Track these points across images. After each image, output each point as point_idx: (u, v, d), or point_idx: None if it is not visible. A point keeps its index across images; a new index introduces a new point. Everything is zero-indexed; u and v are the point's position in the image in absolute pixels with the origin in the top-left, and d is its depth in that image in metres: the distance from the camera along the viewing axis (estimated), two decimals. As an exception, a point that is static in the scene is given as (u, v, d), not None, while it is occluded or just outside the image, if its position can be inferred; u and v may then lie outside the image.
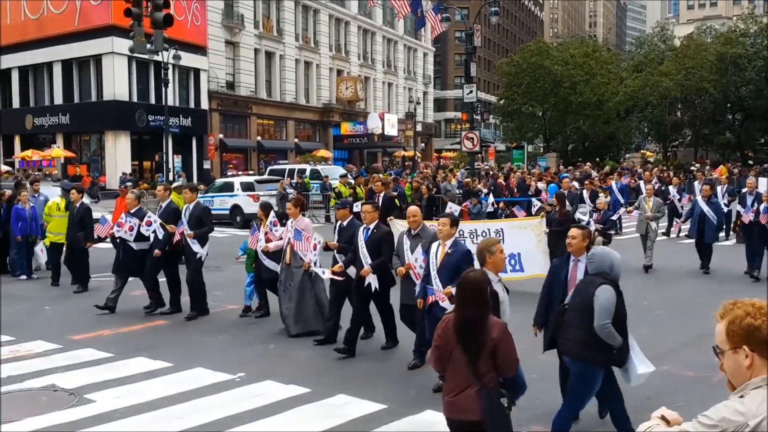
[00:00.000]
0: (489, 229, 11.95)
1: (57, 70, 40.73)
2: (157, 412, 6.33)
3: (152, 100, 40.27)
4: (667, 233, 18.77)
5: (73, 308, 11.10)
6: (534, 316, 6.03)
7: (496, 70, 69.81)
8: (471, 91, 28.96)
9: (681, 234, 15.02)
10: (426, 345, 7.08)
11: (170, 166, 36.06)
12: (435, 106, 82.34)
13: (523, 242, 11.62)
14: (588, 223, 14.65)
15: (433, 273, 6.65)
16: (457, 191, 23.09)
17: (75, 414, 6.33)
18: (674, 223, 18.63)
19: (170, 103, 35.69)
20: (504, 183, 24.36)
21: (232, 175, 34.20)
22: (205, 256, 10.35)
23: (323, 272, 8.56)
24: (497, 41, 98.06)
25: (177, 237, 10.34)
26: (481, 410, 3.90)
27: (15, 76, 42.51)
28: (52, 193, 15.75)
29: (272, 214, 9.99)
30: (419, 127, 65.15)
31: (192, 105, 43.74)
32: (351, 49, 60.87)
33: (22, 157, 38.33)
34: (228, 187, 24.59)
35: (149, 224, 10.36)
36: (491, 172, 29.80)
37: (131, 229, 10.55)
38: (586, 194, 18.58)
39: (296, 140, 53.61)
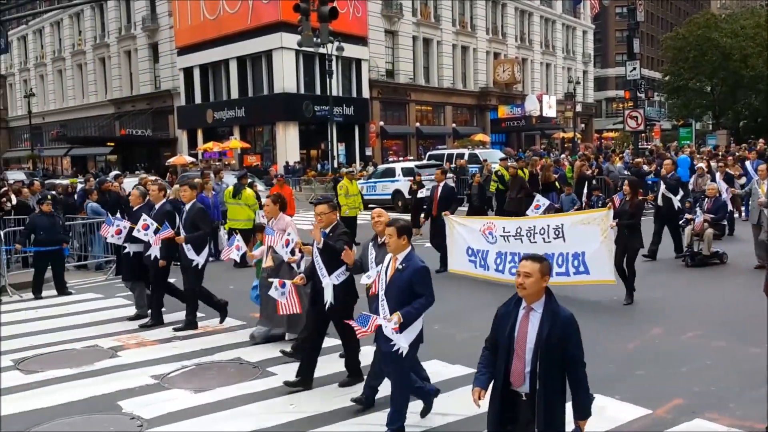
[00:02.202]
0: (548, 226, 10.55)
1: (233, 67, 43.55)
2: (332, 387, 6.75)
3: (317, 91, 42.04)
4: None
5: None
6: (475, 374, 4.29)
7: (660, 45, 65.65)
8: (634, 68, 27.79)
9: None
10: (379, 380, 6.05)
11: (335, 153, 37.58)
12: (595, 85, 79.11)
13: (588, 240, 9.95)
14: (695, 213, 12.82)
15: (381, 293, 5.44)
16: (625, 172, 22.17)
17: (260, 385, 6.90)
18: None
19: (334, 93, 37.18)
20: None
21: (393, 161, 35.02)
22: (203, 264, 9.29)
23: (278, 289, 7.05)
24: (661, 15, 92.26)
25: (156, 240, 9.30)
26: None
27: (196, 74, 45.90)
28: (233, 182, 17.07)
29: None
30: (579, 108, 63.00)
31: (354, 94, 45.18)
32: (508, 31, 59.85)
33: (204, 148, 41.67)
34: (390, 173, 25.32)
35: (146, 227, 9.29)
36: (657, 152, 28.22)
37: (118, 232, 9.80)
38: (719, 177, 16.20)
39: (454, 125, 53.76)
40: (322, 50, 31.48)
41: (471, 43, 55.42)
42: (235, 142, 41.01)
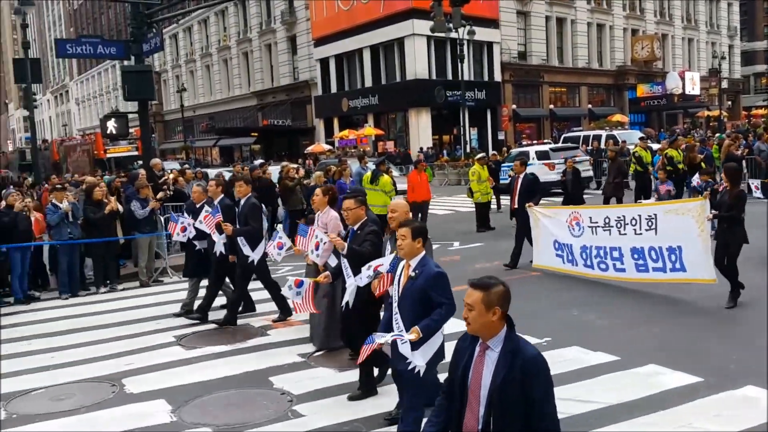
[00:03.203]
0: (639, 216, 9.50)
1: (366, 56, 44.37)
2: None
3: (449, 77, 42.00)
4: None
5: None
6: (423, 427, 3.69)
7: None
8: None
9: None
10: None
11: (467, 138, 37.48)
12: (742, 60, 73.62)
13: (684, 233, 8.87)
14: None
15: (395, 306, 4.86)
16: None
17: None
18: None
19: (465, 77, 37.01)
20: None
21: (527, 145, 34.43)
22: (259, 260, 8.93)
23: (292, 288, 6.27)
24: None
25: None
26: None
27: (332, 64, 47.20)
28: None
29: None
30: (724, 84, 58.96)
31: (486, 78, 44.74)
32: (646, 6, 56.91)
33: (340, 136, 42.90)
34: (523, 157, 24.90)
35: (207, 218, 9.05)
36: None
37: (183, 230, 9.75)
38: None
39: (589, 106, 52.09)
40: (453, 35, 31.42)
41: (607, 20, 53.20)
42: (369, 129, 41.87)
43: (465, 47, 35.31)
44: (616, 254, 9.73)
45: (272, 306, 9.64)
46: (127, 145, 31.72)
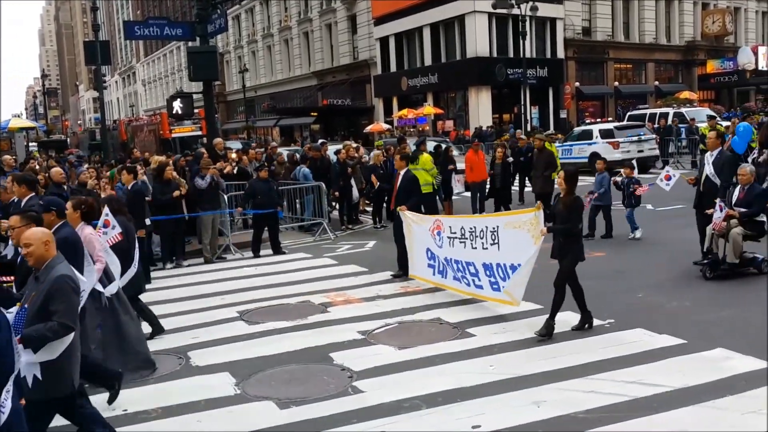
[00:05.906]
0: (486, 228, 8.36)
1: (426, 34, 43.97)
2: (530, 350, 6.82)
3: (510, 54, 41.28)
4: None
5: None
6: None
7: None
8: None
9: None
10: None
11: (528, 117, 36.89)
12: (823, 33, 69.66)
13: (523, 248, 7.72)
14: (715, 207, 9.10)
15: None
16: None
17: (460, 345, 7.13)
18: None
19: (527, 55, 36.35)
20: None
21: (591, 123, 33.70)
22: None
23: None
24: None
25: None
26: None
27: (392, 43, 46.97)
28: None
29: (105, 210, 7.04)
30: (804, 59, 55.98)
31: (548, 55, 43.82)
32: (719, -22, 54.60)
33: (399, 116, 42.82)
34: (586, 135, 24.40)
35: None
36: None
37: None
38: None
39: (656, 83, 50.46)
40: (515, 11, 30.87)
41: (677, -7, 51.38)
42: (428, 108, 41.63)
43: (527, 24, 34.61)
44: (472, 269, 8.64)
45: (331, 282, 9.74)
46: (192, 125, 32.36)
